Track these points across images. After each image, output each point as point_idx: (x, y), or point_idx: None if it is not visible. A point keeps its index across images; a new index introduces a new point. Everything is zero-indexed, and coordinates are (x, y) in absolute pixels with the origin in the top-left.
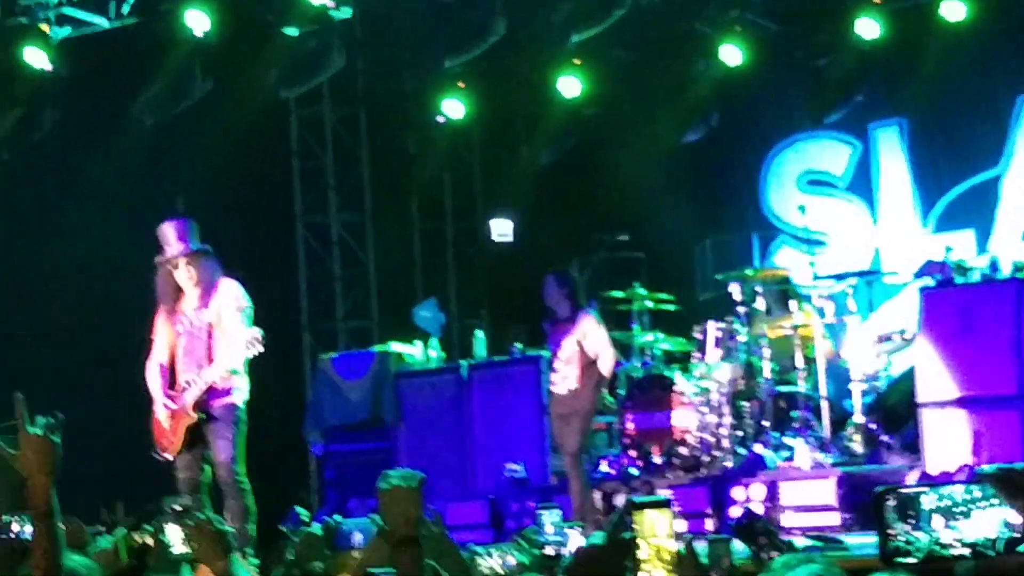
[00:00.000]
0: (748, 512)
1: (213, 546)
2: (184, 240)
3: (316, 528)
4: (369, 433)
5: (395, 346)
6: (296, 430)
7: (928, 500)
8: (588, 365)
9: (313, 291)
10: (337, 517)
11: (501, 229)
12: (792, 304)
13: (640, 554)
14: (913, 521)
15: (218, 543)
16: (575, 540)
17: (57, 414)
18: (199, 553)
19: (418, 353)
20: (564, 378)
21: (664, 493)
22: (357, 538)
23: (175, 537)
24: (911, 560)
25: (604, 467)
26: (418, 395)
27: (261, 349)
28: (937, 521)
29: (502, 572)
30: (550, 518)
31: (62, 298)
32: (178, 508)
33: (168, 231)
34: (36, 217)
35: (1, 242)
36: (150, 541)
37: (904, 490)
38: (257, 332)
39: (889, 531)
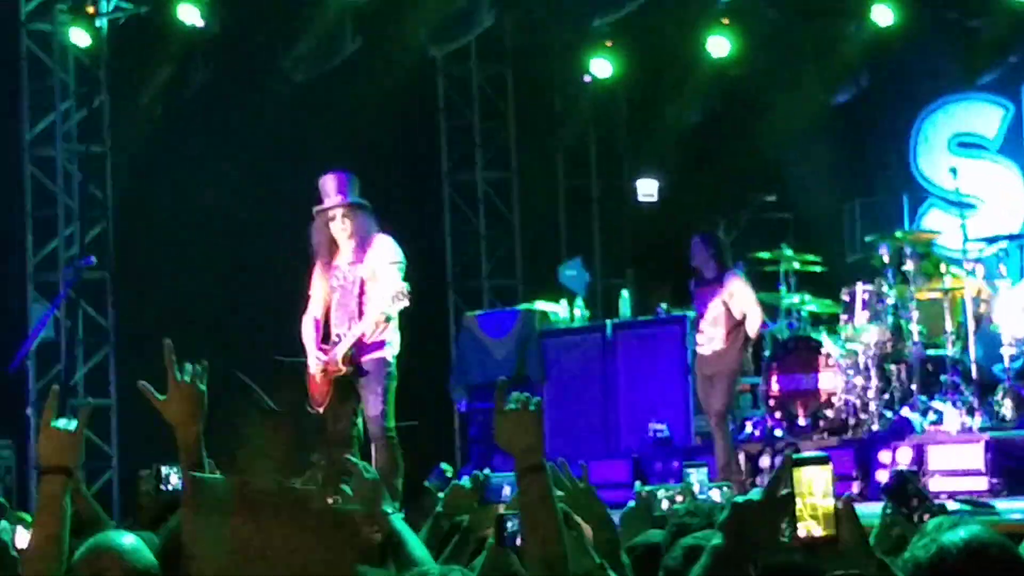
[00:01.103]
0: (900, 473)
1: (369, 492)
2: (343, 192)
3: (465, 481)
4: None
5: (540, 304)
6: (441, 387)
7: None
8: (735, 326)
9: (458, 249)
10: (487, 471)
11: (647, 188)
12: (942, 267)
13: (798, 511)
14: None
15: (374, 489)
16: (716, 498)
17: (203, 361)
18: (356, 499)
19: (563, 312)
20: (710, 339)
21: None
22: (506, 491)
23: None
24: None
25: (748, 428)
26: (563, 354)
27: (407, 303)
28: None
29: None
30: (698, 476)
31: (211, 252)
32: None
33: (328, 182)
34: (188, 172)
35: (154, 196)
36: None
37: None
38: (404, 286)
39: None
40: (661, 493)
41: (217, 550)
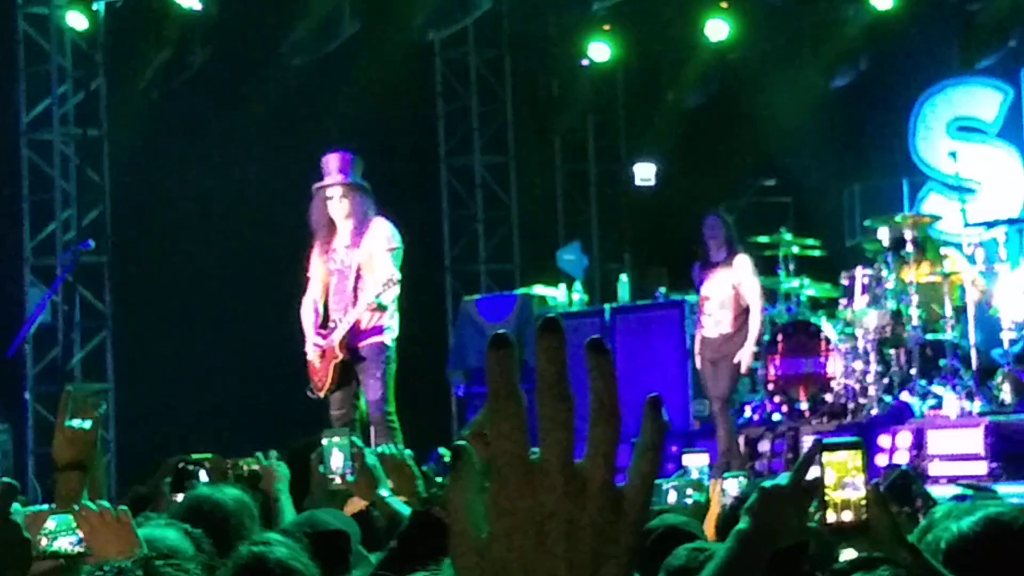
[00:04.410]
0: (905, 473)
1: (369, 478)
2: (344, 172)
3: None
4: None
5: (538, 289)
6: (439, 371)
7: None
8: (742, 311)
9: (456, 233)
10: None
11: (644, 173)
12: (941, 251)
13: (827, 496)
14: None
15: (373, 476)
16: (733, 490)
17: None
18: (356, 485)
19: (561, 296)
20: (717, 322)
21: (809, 440)
22: None
23: (336, 465)
24: None
25: (748, 412)
26: None
27: (397, 290)
28: None
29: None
30: (696, 463)
31: (209, 235)
32: (337, 439)
33: (331, 161)
34: (185, 155)
35: (151, 179)
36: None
37: None
38: (396, 273)
39: None
40: (666, 485)
41: (482, 522)
